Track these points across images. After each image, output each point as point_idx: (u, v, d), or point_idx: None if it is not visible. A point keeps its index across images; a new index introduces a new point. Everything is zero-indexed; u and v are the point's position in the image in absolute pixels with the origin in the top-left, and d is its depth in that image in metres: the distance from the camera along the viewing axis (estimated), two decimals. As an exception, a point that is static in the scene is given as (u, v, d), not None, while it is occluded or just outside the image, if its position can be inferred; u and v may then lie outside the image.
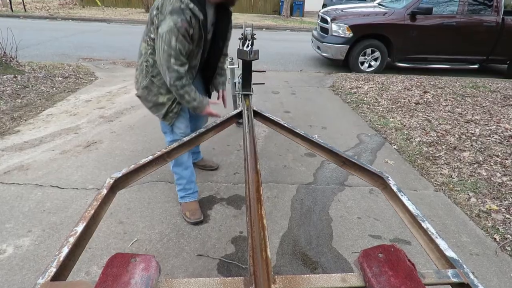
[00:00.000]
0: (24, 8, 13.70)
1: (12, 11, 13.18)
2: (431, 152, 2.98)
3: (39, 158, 2.59)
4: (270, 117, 2.21)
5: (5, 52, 5.02)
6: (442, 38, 6.27)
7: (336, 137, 3.27)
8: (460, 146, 3.09)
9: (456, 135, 3.35)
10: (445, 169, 2.68)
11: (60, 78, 4.57)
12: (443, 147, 3.07)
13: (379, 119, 3.76)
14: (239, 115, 2.35)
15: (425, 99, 4.56)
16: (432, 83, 5.54)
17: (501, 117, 3.98)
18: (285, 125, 2.08)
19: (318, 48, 6.79)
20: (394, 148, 3.06)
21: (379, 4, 7.07)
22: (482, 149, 3.06)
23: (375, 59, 6.42)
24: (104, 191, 1.25)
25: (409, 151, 2.99)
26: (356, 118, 3.83)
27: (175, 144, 1.70)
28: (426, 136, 3.32)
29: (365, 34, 6.20)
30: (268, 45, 8.82)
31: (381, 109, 4.10)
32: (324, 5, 24.00)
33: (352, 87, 5.04)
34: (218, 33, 1.94)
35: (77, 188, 2.25)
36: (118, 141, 2.92)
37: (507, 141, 3.27)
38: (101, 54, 6.91)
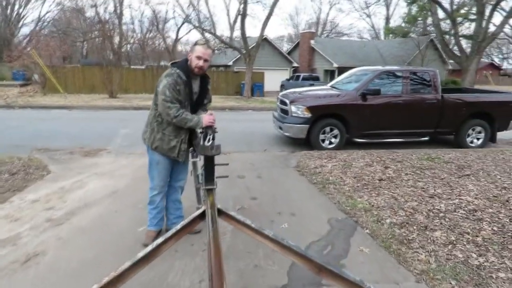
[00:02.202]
0: (-21, 98, 13.39)
1: (-35, 102, 12.80)
2: (403, 234, 2.90)
3: (-37, 281, 2.18)
4: (236, 217, 2.07)
5: None
6: (392, 115, 6.77)
7: (307, 224, 3.14)
8: (430, 225, 3.05)
9: (424, 213, 3.34)
10: (421, 254, 2.57)
11: (6, 175, 4.21)
12: (414, 227, 3.02)
13: (347, 199, 3.72)
14: (202, 215, 2.18)
15: (387, 175, 4.67)
16: (390, 157, 5.76)
17: (461, 189, 4.10)
18: (252, 225, 1.93)
19: (280, 128, 7.02)
20: (367, 233, 2.96)
21: (332, 86, 7.65)
22: (452, 227, 3.04)
23: (335, 136, 6.70)
24: None
25: (382, 235, 2.89)
26: (324, 200, 3.76)
27: (127, 264, 1.47)
28: (396, 216, 3.28)
29: (323, 114, 6.55)
30: (232, 125, 9.04)
31: (347, 189, 4.10)
32: (282, 86, 25.90)
33: (317, 166, 5.10)
34: (201, 94, 2.71)
35: (5, 321, 1.85)
36: (64, 250, 2.57)
37: (472, 215, 3.30)
38: (58, 144, 6.63)
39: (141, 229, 2.91)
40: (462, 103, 6.98)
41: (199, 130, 2.71)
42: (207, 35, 21.22)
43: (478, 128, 7.14)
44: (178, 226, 1.93)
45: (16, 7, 32.30)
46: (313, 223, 3.15)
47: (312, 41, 29.66)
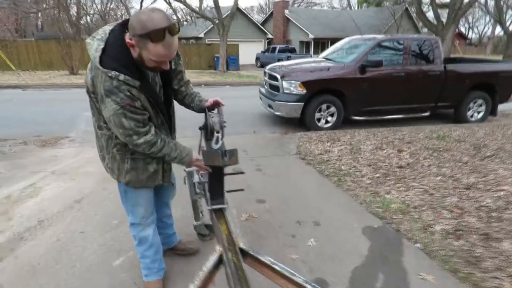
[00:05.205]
0: None
1: None
2: (465, 248, 2.28)
3: None
4: (267, 262, 1.36)
5: None
6: (393, 89, 6.13)
7: (338, 238, 2.44)
8: (491, 232, 2.45)
9: (473, 213, 2.75)
10: (505, 282, 1.96)
11: None
12: (474, 236, 2.41)
13: (374, 197, 3.06)
14: (220, 261, 1.41)
15: (405, 161, 4.05)
16: (397, 137, 5.17)
17: (494, 175, 3.56)
18: (292, 277, 1.26)
19: (270, 106, 6.22)
20: (418, 248, 2.31)
21: (325, 58, 6.85)
22: (516, 233, 2.45)
23: (331, 115, 6.00)
24: None
25: (439, 251, 2.26)
26: (347, 200, 3.08)
27: None
28: (442, 219, 2.66)
29: (319, 89, 5.80)
30: (212, 104, 8.10)
31: (367, 181, 3.44)
32: (257, 58, 24.77)
33: (321, 152, 4.39)
34: (164, 81, 1.64)
35: None
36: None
37: (529, 213, 2.75)
38: (8, 131, 5.50)
39: (118, 262, 2.10)
40: (465, 74, 6.44)
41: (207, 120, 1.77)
42: (176, 4, 19.49)
43: (479, 101, 6.68)
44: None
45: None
46: (346, 236, 2.45)
47: (286, 11, 28.41)
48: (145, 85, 1.41)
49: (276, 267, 1.29)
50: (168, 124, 1.67)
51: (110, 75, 1.31)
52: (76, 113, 6.84)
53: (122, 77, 1.31)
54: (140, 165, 1.62)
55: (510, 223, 2.57)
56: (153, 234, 1.83)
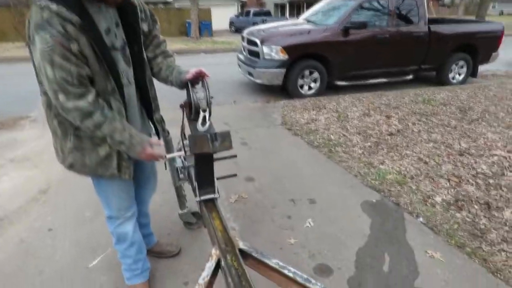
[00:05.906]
0: None
1: None
2: (468, 220, 2.18)
3: None
4: (275, 266, 1.16)
5: None
6: (377, 52, 5.90)
7: (336, 216, 2.28)
8: (491, 201, 2.37)
9: (471, 181, 2.65)
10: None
11: None
12: (475, 207, 2.31)
13: (368, 169, 2.91)
14: (217, 267, 1.20)
15: (394, 127, 3.92)
16: (383, 102, 5.04)
17: (483, 140, 3.49)
18: (307, 284, 1.07)
19: (250, 74, 5.86)
20: (421, 222, 2.19)
21: (306, 20, 6.47)
22: (515, 200, 2.38)
23: (314, 81, 5.75)
24: None
25: (442, 224, 2.14)
26: (340, 172, 2.91)
27: None
28: (441, 189, 2.55)
29: (301, 54, 5.48)
30: (187, 74, 7.62)
31: (359, 151, 3.28)
32: (231, 23, 23.70)
33: (308, 121, 4.18)
34: (129, 36, 1.29)
35: None
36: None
37: (524, 177, 2.69)
38: (-42, 114, 4.90)
39: (94, 263, 1.84)
40: (448, 35, 6.28)
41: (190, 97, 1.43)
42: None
43: (461, 63, 6.59)
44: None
45: None
46: (344, 214, 2.30)
47: (259, -29, 26.99)
48: (87, 23, 1.06)
49: (286, 271, 1.09)
50: (121, 100, 1.26)
51: (39, 3, 1.00)
52: (36, 89, 6.10)
53: (54, 6, 1.00)
54: (86, 145, 1.27)
55: (508, 190, 2.50)
56: (134, 230, 1.56)
